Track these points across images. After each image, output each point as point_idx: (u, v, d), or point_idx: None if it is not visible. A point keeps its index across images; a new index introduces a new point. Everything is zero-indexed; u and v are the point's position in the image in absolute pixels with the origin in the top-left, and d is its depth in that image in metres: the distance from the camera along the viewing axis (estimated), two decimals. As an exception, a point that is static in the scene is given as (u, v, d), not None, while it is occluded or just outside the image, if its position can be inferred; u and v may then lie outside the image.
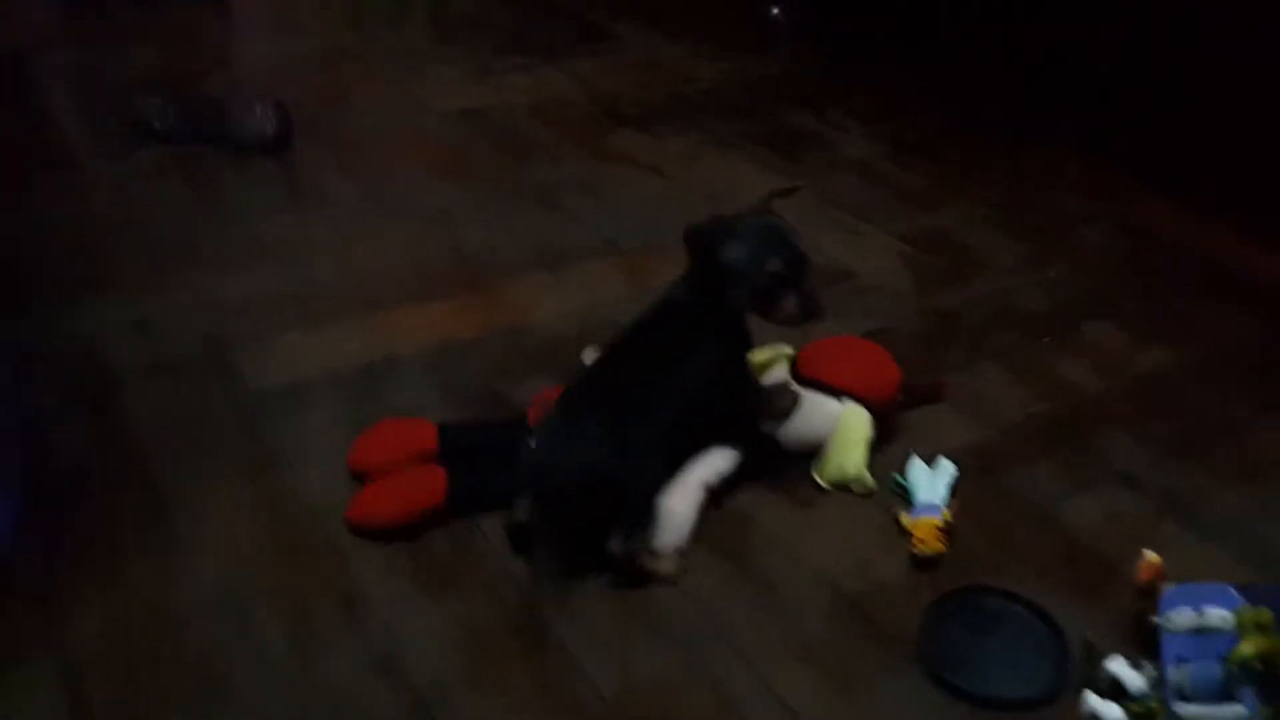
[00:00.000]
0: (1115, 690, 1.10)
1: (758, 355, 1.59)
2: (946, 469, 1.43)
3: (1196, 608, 1.05)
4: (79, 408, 1.56)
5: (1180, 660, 1.04)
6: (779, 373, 1.54)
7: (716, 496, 1.41)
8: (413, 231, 2.09)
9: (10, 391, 1.54)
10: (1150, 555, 1.24)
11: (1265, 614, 0.99)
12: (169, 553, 1.32)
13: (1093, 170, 2.49)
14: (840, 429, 1.46)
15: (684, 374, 1.34)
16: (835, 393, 1.50)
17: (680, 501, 1.37)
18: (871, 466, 1.46)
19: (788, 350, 1.57)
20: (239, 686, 1.15)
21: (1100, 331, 1.86)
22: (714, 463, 1.42)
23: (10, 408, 1.50)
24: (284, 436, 1.52)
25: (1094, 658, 1.14)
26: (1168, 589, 1.12)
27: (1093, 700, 1.09)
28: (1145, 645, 1.15)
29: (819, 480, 1.47)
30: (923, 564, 1.33)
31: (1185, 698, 1.02)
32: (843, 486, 1.46)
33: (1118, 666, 1.11)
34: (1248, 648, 0.98)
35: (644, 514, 1.31)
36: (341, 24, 3.46)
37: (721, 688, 1.18)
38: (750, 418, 1.46)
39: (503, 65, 3.01)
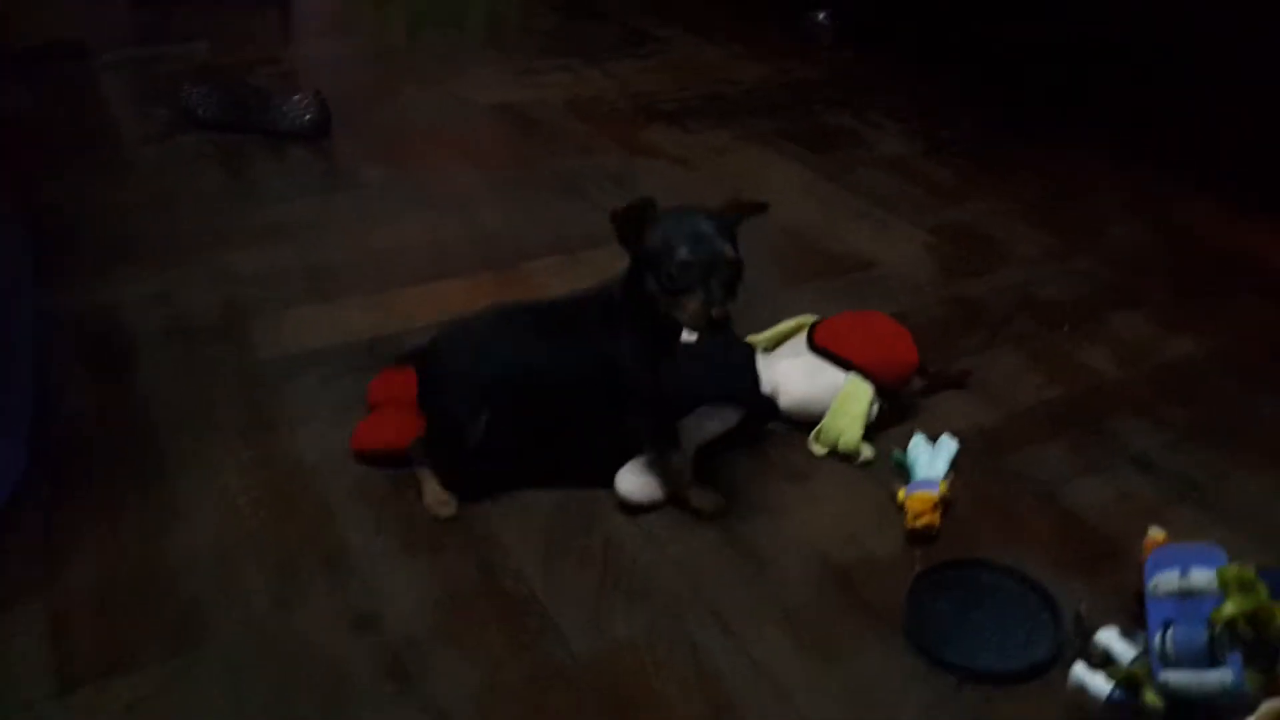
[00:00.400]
0: (1107, 662, 1.06)
1: (782, 325, 1.58)
2: (947, 446, 1.40)
3: (1183, 570, 1.00)
4: (93, 370, 1.60)
5: (1165, 624, 0.99)
6: (798, 341, 1.53)
7: (704, 457, 1.40)
8: (434, 215, 2.11)
9: (29, 352, 1.58)
10: (1156, 532, 1.20)
11: (1249, 572, 0.95)
12: (165, 509, 1.34)
13: (1130, 170, 2.43)
14: (841, 400, 1.44)
15: (568, 340, 1.32)
16: (846, 366, 1.48)
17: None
18: (873, 443, 1.44)
19: (811, 319, 1.56)
20: (219, 638, 1.16)
21: (1126, 322, 1.81)
22: (702, 421, 1.41)
23: (27, 367, 1.54)
24: (288, 402, 1.53)
25: (1086, 629, 1.10)
26: (1154, 551, 1.07)
27: (1081, 672, 1.05)
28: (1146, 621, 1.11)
29: (814, 448, 1.44)
30: (917, 539, 1.30)
31: (1171, 663, 0.97)
32: (840, 457, 1.43)
33: (1109, 637, 1.07)
34: (1230, 607, 0.93)
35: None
36: (396, 28, 3.54)
37: (699, 652, 1.15)
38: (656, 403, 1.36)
39: (545, 66, 3.05)
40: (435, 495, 1.35)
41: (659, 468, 1.35)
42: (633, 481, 1.35)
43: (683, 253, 1.18)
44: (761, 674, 1.13)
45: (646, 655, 1.15)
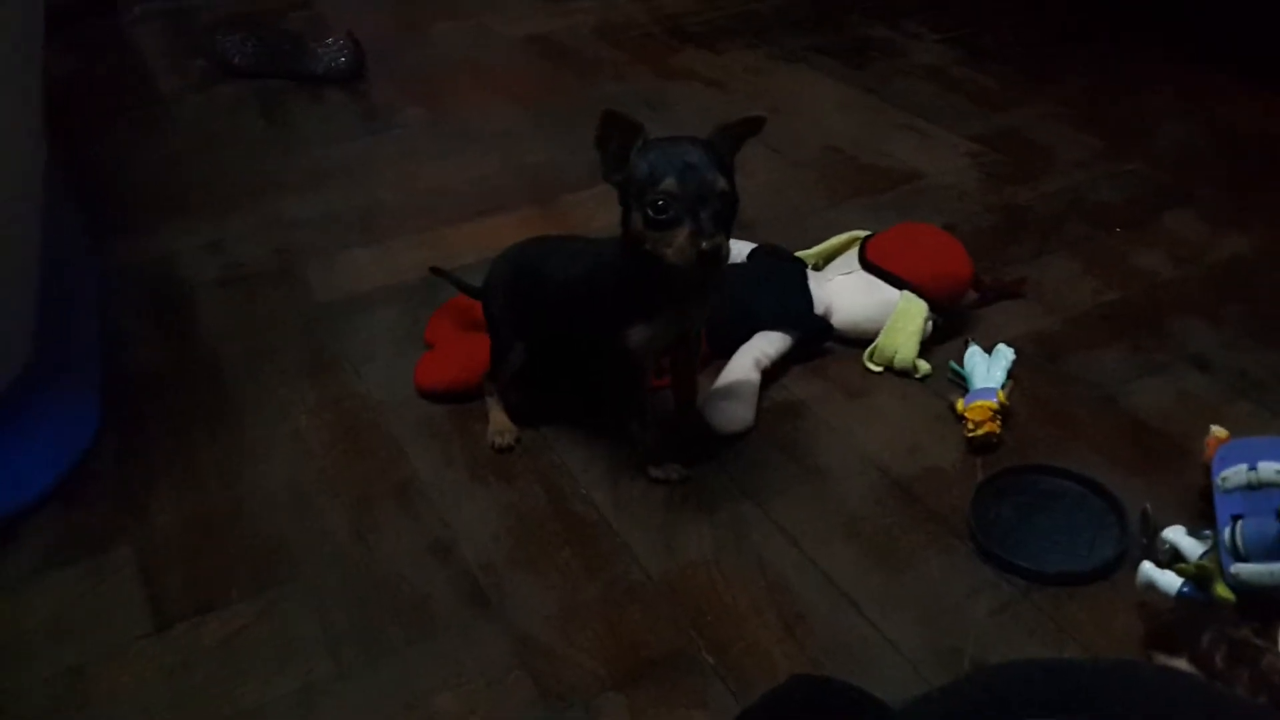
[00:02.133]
0: (1174, 560, 1.07)
1: (833, 240, 1.58)
2: (1004, 354, 1.40)
3: (1251, 464, 1.01)
4: (156, 321, 1.64)
5: (1235, 518, 1.00)
6: (850, 258, 1.53)
7: (767, 378, 1.42)
8: (475, 152, 2.11)
9: (94, 306, 1.62)
10: (1218, 430, 1.19)
11: (1318, 463, 0.95)
12: (239, 451, 1.38)
13: (1177, 68, 2.37)
14: (895, 318, 1.44)
15: (564, 264, 1.32)
16: (899, 283, 1.48)
17: (737, 385, 1.39)
18: (929, 357, 1.45)
19: (862, 234, 1.56)
20: (303, 571, 1.20)
21: (1178, 221, 1.78)
22: (762, 345, 1.42)
23: (93, 321, 1.58)
24: (348, 342, 1.56)
25: (1151, 528, 1.11)
26: (1222, 446, 1.08)
27: (1149, 570, 1.06)
28: (1211, 520, 1.11)
29: (870, 365, 1.46)
30: (977, 448, 1.31)
31: (1241, 557, 0.98)
32: (896, 373, 1.44)
33: (1175, 535, 1.07)
34: (1302, 500, 0.94)
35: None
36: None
37: (769, 567, 1.18)
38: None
39: (574, -6, 3.01)
40: (497, 424, 1.38)
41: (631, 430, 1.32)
42: (721, 416, 1.37)
43: (669, 183, 1.09)
44: (830, 585, 1.15)
45: (717, 572, 1.18)
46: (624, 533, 1.23)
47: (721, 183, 1.11)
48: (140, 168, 2.10)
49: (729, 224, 1.13)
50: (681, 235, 1.10)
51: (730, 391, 1.39)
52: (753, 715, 0.84)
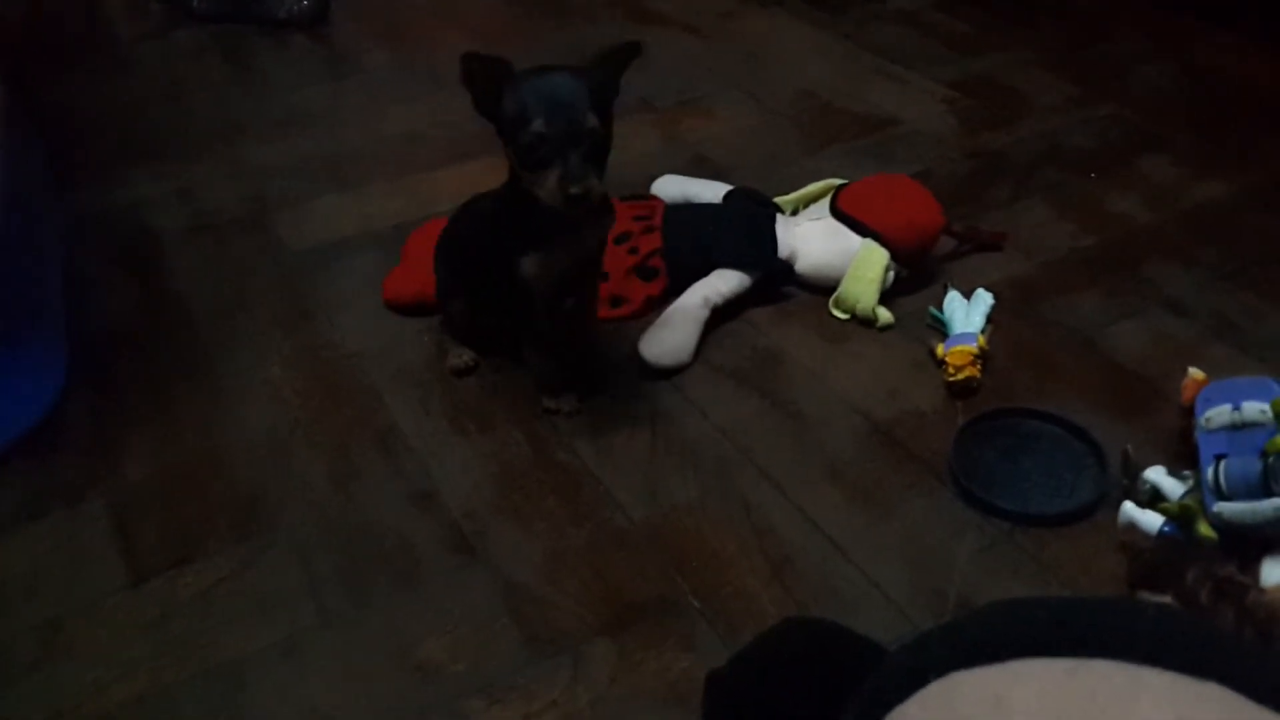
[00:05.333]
0: (1155, 500, 1.08)
1: (810, 187, 1.57)
2: (984, 299, 1.40)
3: (1235, 404, 1.02)
4: (125, 269, 1.60)
5: (1218, 458, 1.01)
6: (823, 205, 1.52)
7: (719, 315, 1.43)
8: (445, 95, 2.06)
9: (59, 253, 1.58)
10: (1195, 372, 1.20)
11: (1303, 402, 0.96)
12: (213, 402, 1.36)
13: (1153, 13, 2.36)
14: (855, 265, 1.44)
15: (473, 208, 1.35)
16: (866, 231, 1.47)
17: (679, 316, 1.40)
18: (900, 306, 1.45)
19: (838, 182, 1.55)
20: (283, 521, 1.19)
21: (1154, 165, 1.79)
22: (715, 283, 1.42)
23: (57, 268, 1.54)
24: (322, 291, 1.54)
25: (1132, 469, 1.12)
26: (1206, 387, 1.08)
27: (1131, 510, 1.07)
28: (1190, 462, 1.11)
29: (834, 312, 1.46)
30: (958, 392, 1.31)
31: (1223, 496, 1.00)
32: (861, 322, 1.45)
33: (1156, 475, 1.09)
34: (1285, 438, 0.95)
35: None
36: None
37: (752, 511, 1.18)
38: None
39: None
40: (453, 349, 1.39)
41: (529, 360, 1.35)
42: (655, 347, 1.37)
43: (538, 124, 1.07)
44: (816, 529, 1.16)
45: (703, 517, 1.18)
46: (607, 480, 1.23)
47: (592, 120, 1.08)
48: (102, 113, 2.05)
49: (601, 162, 1.12)
50: (551, 178, 1.09)
51: (668, 323, 1.40)
52: (746, 657, 0.84)
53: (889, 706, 0.56)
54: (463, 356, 1.39)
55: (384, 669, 1.03)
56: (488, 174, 1.75)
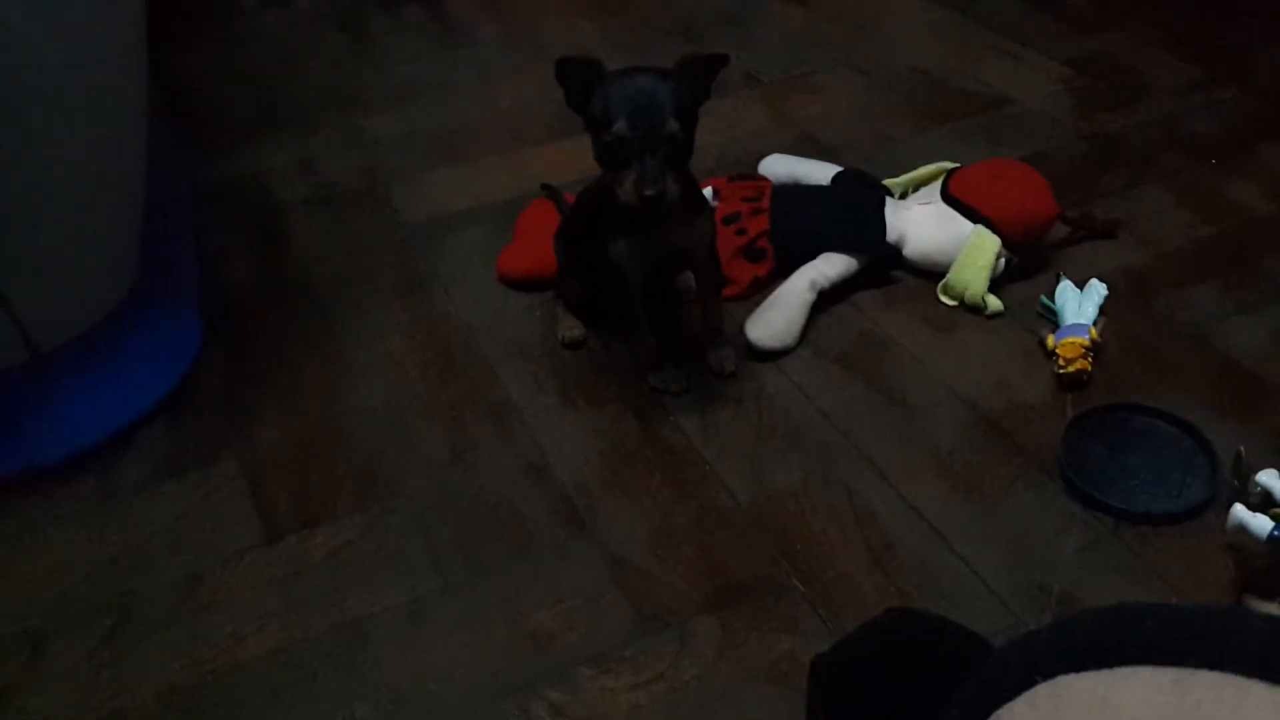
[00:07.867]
0: (1267, 503, 1.08)
1: (921, 170, 1.58)
2: (1097, 290, 1.39)
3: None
4: (250, 239, 1.67)
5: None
6: (934, 189, 1.52)
7: (825, 299, 1.44)
8: (552, 72, 2.09)
9: (190, 223, 1.65)
10: (1314, 373, 1.19)
11: None
12: (336, 371, 1.42)
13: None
14: (966, 252, 1.43)
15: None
16: (975, 217, 1.46)
17: (785, 298, 1.42)
18: (1011, 295, 1.44)
19: (950, 166, 1.54)
20: (404, 488, 1.25)
21: (1277, 153, 1.74)
22: (822, 266, 1.44)
23: (190, 238, 1.62)
24: (437, 264, 1.59)
25: (1244, 470, 1.11)
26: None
27: (1241, 512, 1.06)
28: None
29: (942, 299, 1.46)
30: (1067, 385, 1.31)
31: (1338, 503, 0.99)
32: (970, 309, 1.44)
33: (1269, 478, 1.08)
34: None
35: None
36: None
37: (855, 497, 1.20)
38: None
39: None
40: (565, 321, 1.44)
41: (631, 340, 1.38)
42: (761, 329, 1.39)
43: (620, 126, 1.11)
44: (918, 518, 1.18)
45: (805, 501, 1.20)
46: (713, 460, 1.26)
47: (673, 125, 1.12)
48: (224, 83, 2.13)
49: (680, 166, 1.15)
50: (628, 179, 1.13)
51: (774, 305, 1.42)
52: (851, 645, 0.86)
53: (995, 704, 0.58)
54: (574, 329, 1.43)
55: (499, 635, 1.08)
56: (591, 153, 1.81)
